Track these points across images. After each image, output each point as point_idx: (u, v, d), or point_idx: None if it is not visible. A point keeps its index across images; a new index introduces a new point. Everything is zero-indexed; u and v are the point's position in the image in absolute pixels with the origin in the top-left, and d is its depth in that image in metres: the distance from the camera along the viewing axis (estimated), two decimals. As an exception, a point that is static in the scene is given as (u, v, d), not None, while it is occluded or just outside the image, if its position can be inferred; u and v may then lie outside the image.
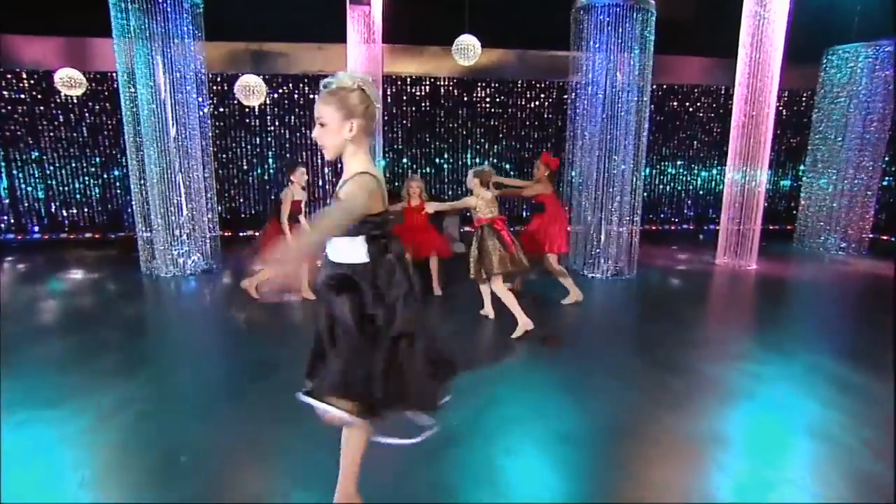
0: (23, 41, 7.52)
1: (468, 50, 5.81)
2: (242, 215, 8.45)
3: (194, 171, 6.06)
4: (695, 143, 9.19)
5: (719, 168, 9.46)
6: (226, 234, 6.69)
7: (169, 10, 5.61)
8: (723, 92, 9.10)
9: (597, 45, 5.88)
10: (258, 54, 7.85)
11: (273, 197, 8.39)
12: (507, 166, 8.93)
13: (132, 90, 5.78)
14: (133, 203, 6.08)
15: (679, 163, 9.27)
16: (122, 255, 7.20)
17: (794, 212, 8.51)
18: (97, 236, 8.15)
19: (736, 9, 6.50)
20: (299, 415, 1.86)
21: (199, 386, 3.31)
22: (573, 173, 6.30)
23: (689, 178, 9.36)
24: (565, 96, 8.74)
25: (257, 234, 5.09)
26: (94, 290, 5.61)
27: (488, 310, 4.57)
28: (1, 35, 7.43)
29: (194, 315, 4.91)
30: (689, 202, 9.46)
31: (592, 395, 3.16)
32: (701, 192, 9.56)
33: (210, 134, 6.16)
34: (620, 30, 5.74)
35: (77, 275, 6.27)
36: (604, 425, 2.79)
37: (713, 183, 9.52)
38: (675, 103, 8.95)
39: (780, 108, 6.81)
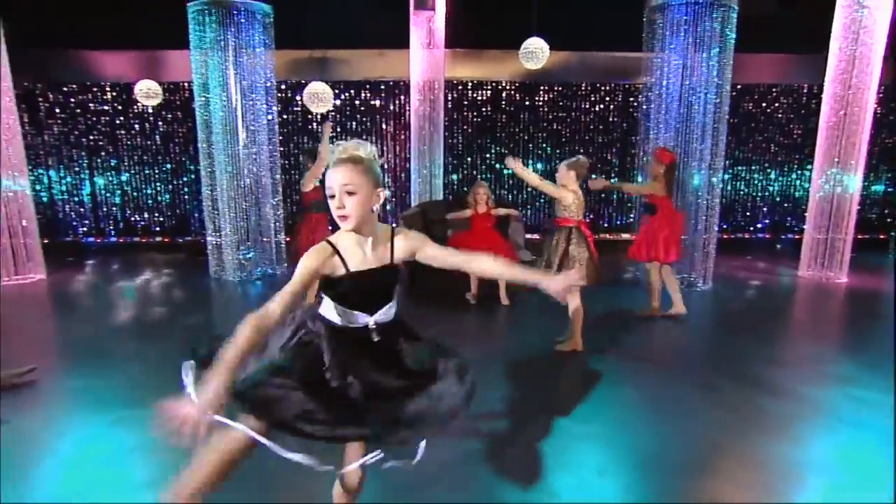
0: (103, 56, 7.95)
1: (536, 53, 5.64)
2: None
3: (262, 178, 6.19)
4: (772, 146, 8.61)
5: (799, 173, 8.82)
6: (288, 239, 6.81)
7: (242, 20, 5.76)
8: (805, 91, 8.50)
9: (672, 46, 5.58)
10: (320, 61, 7.97)
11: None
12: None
13: (205, 98, 5.97)
14: (203, 208, 6.26)
15: (754, 167, 8.69)
16: (190, 259, 7.46)
17: (890, 219, 7.81)
18: (166, 240, 8.49)
19: (822, 1, 6.04)
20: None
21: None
22: (640, 178, 6.00)
23: (765, 184, 8.77)
24: (631, 99, 8.45)
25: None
26: (165, 294, 5.80)
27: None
28: (84, 51, 7.88)
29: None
30: (765, 209, 8.86)
31: (681, 414, 2.92)
32: (778, 199, 8.93)
33: (277, 140, 6.27)
34: (699, 28, 5.42)
35: (150, 278, 6.52)
36: (695, 447, 2.55)
37: (791, 189, 8.88)
38: (751, 104, 8.41)
39: (875, 105, 6.22)
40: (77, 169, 8.28)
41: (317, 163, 4.67)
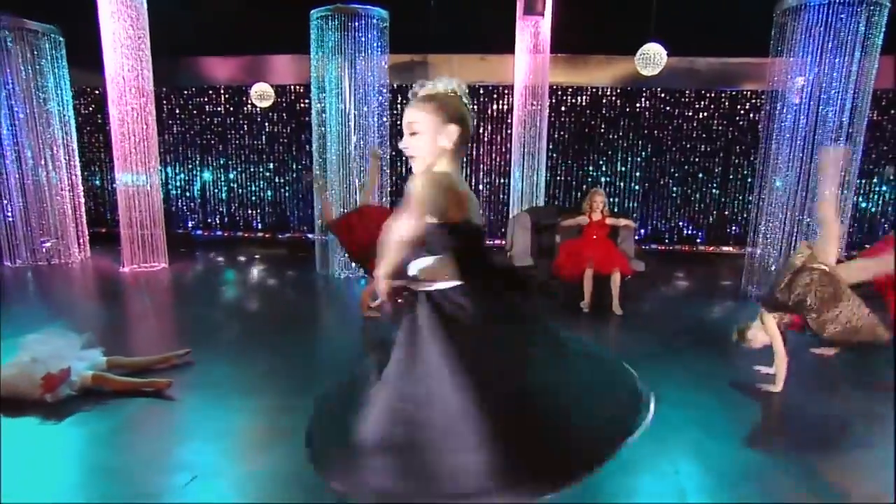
0: (216, 61, 8.46)
1: (654, 58, 5.48)
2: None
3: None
4: (888, 155, 7.95)
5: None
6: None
7: (361, 25, 5.96)
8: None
9: (806, 50, 5.25)
10: (422, 65, 8.12)
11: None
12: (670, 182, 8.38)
13: (321, 101, 6.21)
14: (313, 205, 6.51)
15: (874, 180, 8.06)
16: (292, 255, 7.80)
17: None
18: (267, 235, 8.90)
19: None
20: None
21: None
22: (765, 193, 5.68)
23: (889, 198, 8.09)
24: (738, 107, 8.07)
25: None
26: (281, 287, 6.08)
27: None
28: (201, 57, 8.43)
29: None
30: (887, 225, 8.17)
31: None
32: (880, 218, 8.24)
33: (388, 142, 6.43)
34: (840, 30, 5.08)
35: (262, 271, 6.85)
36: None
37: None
38: (875, 111, 7.80)
39: None
40: (190, 166, 8.85)
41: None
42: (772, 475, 2.37)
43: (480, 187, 8.51)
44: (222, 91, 8.54)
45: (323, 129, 6.22)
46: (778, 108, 5.52)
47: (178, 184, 8.84)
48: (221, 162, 8.80)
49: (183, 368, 3.51)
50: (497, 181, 8.46)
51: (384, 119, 6.36)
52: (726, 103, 8.03)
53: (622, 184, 8.27)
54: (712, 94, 8.03)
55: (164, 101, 8.53)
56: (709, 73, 7.80)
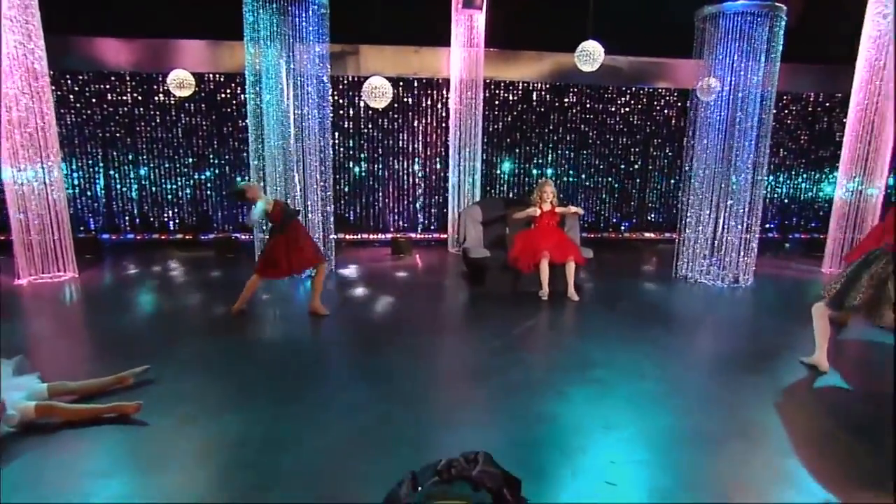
0: (120, 44, 7.57)
1: (593, 55, 5.76)
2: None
3: (312, 172, 6.05)
4: (780, 150, 9.05)
5: (805, 176, 9.34)
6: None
7: (300, 11, 5.62)
8: (811, 99, 9.01)
9: (723, 53, 5.79)
10: (353, 55, 7.87)
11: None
12: (591, 174, 8.87)
13: (256, 91, 5.80)
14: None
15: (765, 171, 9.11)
16: (220, 257, 7.21)
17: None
18: (188, 237, 8.17)
19: (826, 12, 6.48)
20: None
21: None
22: (691, 181, 6.21)
23: (774, 186, 9.21)
24: (655, 103, 8.72)
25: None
26: (219, 293, 5.60)
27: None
28: (100, 38, 7.50)
29: (338, 321, 4.84)
30: (773, 210, 9.31)
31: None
32: (786, 201, 9.42)
33: (329, 135, 6.15)
34: (749, 36, 5.67)
35: (186, 273, 6.28)
36: None
37: (797, 192, 9.39)
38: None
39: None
40: (90, 161, 7.86)
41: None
42: (673, 399, 2.83)
43: (416, 181, 8.44)
44: (128, 78, 7.64)
45: (259, 120, 5.80)
46: (700, 105, 6.05)
47: (75, 181, 7.79)
48: (130, 157, 7.88)
49: (143, 387, 3.13)
50: (433, 174, 8.45)
51: (326, 110, 6.07)
52: (644, 100, 8.66)
53: (553, 175, 8.61)
54: (632, 91, 8.61)
55: (54, 87, 7.46)
56: (630, 71, 8.36)
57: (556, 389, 3.19)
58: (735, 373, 3.52)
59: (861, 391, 3.33)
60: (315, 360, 3.86)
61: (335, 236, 6.38)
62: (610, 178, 8.90)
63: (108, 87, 7.69)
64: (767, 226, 9.31)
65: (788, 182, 9.34)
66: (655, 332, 4.33)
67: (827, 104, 9.10)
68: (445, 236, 8.17)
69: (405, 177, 8.45)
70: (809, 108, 9.10)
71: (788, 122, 9.00)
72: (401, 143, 8.31)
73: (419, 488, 1.66)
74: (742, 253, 6.07)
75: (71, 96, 7.63)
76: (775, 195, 9.26)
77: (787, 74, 8.08)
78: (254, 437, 2.61)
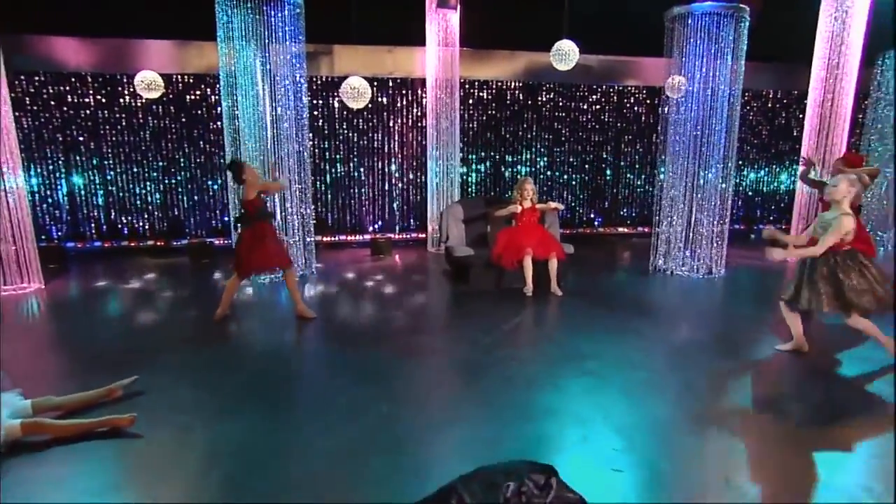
0: (74, 43, 7.27)
1: (569, 55, 5.86)
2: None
3: (290, 175, 5.96)
4: (744, 145, 9.41)
5: (767, 170, 9.75)
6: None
7: (274, 10, 5.53)
8: (770, 95, 9.40)
9: (692, 52, 5.99)
10: (327, 55, 7.78)
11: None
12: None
13: (230, 92, 5.68)
14: (230, 208, 5.95)
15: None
16: (195, 263, 7.03)
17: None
18: (160, 243, 7.91)
19: (782, 12, 6.84)
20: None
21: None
22: (663, 175, 6.40)
23: (738, 180, 9.56)
24: (624, 100, 8.94)
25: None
26: (190, 297, 5.46)
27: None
28: (58, 37, 7.18)
29: (325, 324, 4.78)
30: (739, 203, 9.67)
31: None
32: (749, 193, 9.81)
33: (307, 136, 6.07)
34: (717, 36, 5.88)
35: (158, 281, 6.09)
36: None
37: (760, 184, 9.81)
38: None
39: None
40: (51, 167, 7.51)
41: (270, 184, 4.92)
42: (664, 387, 2.82)
43: (393, 181, 8.41)
44: (90, 79, 7.32)
45: (236, 122, 5.68)
46: (671, 103, 6.24)
47: (34, 188, 7.42)
48: (94, 162, 7.56)
49: (132, 399, 3.04)
50: (411, 174, 8.43)
51: (303, 111, 5.99)
52: (615, 97, 8.86)
53: (528, 173, 8.70)
54: (603, 89, 8.80)
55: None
56: (601, 69, 8.53)
57: (552, 382, 3.25)
58: (717, 359, 3.67)
59: (832, 370, 3.52)
60: (306, 364, 3.83)
61: (313, 238, 6.29)
62: (584, 175, 9.07)
63: (68, 88, 7.35)
64: (733, 217, 9.68)
65: (752, 175, 9.72)
66: (639, 323, 4.46)
67: (785, 101, 9.51)
68: (424, 236, 8.17)
69: (382, 177, 8.40)
70: (769, 105, 9.49)
71: (750, 118, 9.37)
72: (377, 143, 8.25)
73: None
74: (714, 245, 6.30)
75: (27, 98, 7.27)
76: (740, 188, 9.62)
77: (748, 72, 8.44)
78: (255, 444, 2.57)
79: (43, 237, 7.41)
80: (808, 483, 2.26)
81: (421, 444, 2.56)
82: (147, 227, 7.95)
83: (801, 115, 8.33)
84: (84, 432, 2.64)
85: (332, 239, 8.33)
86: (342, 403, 3.01)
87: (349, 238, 8.40)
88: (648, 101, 8.92)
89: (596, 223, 9.28)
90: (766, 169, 9.75)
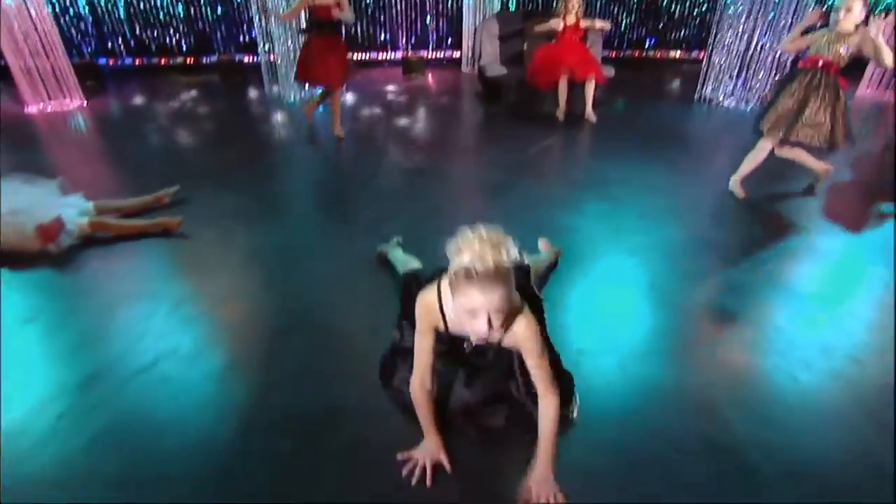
0: None
1: None
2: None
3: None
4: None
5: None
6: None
7: None
8: None
9: None
10: None
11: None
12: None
13: None
14: (256, 24, 5.67)
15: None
16: (226, 82, 6.95)
17: None
18: (189, 61, 7.76)
19: None
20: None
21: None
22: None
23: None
24: None
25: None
26: (231, 115, 5.54)
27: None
28: None
29: (354, 143, 4.84)
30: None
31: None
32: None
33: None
34: None
35: (197, 99, 6.14)
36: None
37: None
38: None
39: None
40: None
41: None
42: (683, 214, 2.94)
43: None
44: None
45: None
46: None
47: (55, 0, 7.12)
48: (109, -31, 7.09)
49: (178, 206, 3.32)
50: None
51: None
52: None
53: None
54: None
55: None
56: None
57: (573, 205, 3.33)
58: (747, 191, 3.59)
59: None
60: (335, 179, 3.99)
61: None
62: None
63: None
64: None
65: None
66: (673, 153, 4.32)
67: None
68: (459, 55, 7.68)
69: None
70: None
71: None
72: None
73: None
74: (771, 74, 5.71)
75: None
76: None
77: None
78: (290, 246, 2.85)
79: (74, 52, 7.35)
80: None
81: (436, 253, 2.77)
82: (174, 42, 7.72)
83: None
84: (140, 231, 2.96)
85: (363, 56, 7.94)
86: (367, 216, 3.22)
87: (379, 56, 7.99)
88: None
89: (647, 44, 8.39)
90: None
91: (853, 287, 2.51)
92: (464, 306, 1.30)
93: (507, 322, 1.43)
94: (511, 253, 1.27)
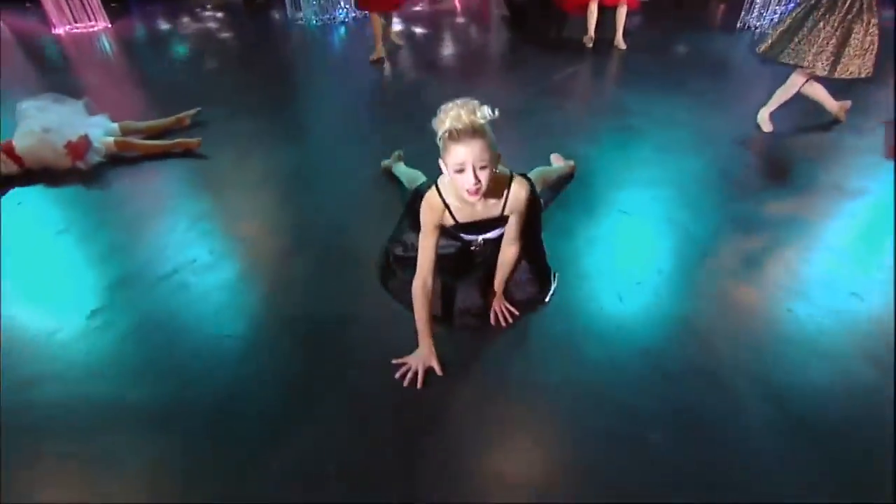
0: None
1: None
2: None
3: None
4: None
5: None
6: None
7: None
8: None
9: None
10: None
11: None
12: None
13: None
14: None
15: None
16: (249, 5, 6.82)
17: None
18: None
19: None
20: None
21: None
22: None
23: None
24: None
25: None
26: (258, 43, 5.48)
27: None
28: None
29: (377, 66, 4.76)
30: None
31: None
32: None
33: None
34: None
35: (221, 24, 6.06)
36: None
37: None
38: None
39: None
40: None
41: None
42: (702, 147, 2.91)
43: None
44: None
45: None
46: None
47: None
48: None
49: (198, 128, 3.40)
50: None
51: None
52: None
53: None
54: None
55: None
56: None
57: (590, 134, 3.27)
58: (775, 125, 3.43)
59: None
60: (357, 102, 3.97)
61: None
62: None
63: None
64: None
65: None
66: (702, 84, 4.11)
67: None
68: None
69: None
70: None
71: None
72: None
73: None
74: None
75: None
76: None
77: None
78: (304, 168, 2.92)
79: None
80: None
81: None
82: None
83: None
84: (163, 151, 3.07)
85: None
86: (386, 133, 3.25)
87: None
88: None
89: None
90: None
91: (873, 230, 2.44)
92: (453, 168, 1.47)
93: (498, 187, 1.62)
94: (484, 112, 1.45)
